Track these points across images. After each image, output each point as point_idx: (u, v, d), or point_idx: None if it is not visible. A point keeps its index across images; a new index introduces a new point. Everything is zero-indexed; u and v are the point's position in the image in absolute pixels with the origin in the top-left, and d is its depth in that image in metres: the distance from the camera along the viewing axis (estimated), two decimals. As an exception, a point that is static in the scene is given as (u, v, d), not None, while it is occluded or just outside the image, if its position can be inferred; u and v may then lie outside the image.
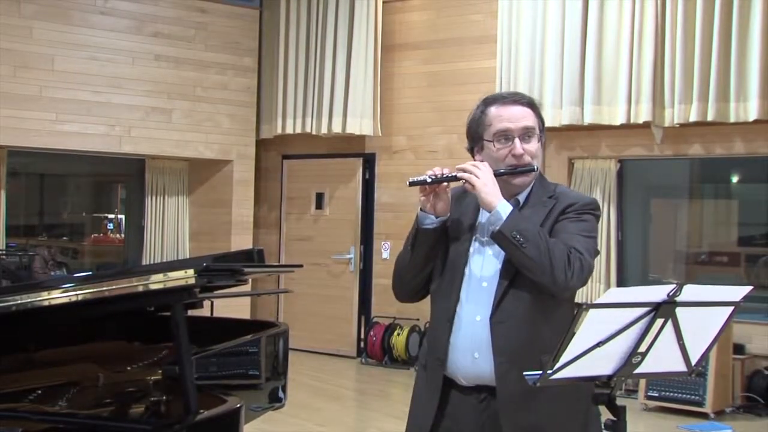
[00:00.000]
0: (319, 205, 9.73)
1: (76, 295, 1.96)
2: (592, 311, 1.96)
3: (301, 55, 9.39)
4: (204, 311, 3.55)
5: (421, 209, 2.53)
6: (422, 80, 8.94)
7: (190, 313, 3.92)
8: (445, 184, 2.49)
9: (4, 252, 8.41)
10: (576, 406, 2.47)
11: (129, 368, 2.95)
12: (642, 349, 2.08)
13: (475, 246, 2.53)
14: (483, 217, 2.54)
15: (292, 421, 6.45)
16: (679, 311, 2.06)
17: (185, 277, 1.94)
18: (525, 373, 2.06)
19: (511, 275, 2.44)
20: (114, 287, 1.95)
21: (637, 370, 2.14)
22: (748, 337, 7.22)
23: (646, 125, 7.49)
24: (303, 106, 9.36)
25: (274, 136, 9.66)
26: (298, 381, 7.99)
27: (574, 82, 7.75)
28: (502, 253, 2.45)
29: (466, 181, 2.46)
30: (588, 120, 7.69)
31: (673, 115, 7.33)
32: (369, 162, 9.35)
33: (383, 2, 9.08)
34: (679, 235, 8.62)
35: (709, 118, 7.08)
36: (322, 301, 9.40)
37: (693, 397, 6.83)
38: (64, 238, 10.79)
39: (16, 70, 8.27)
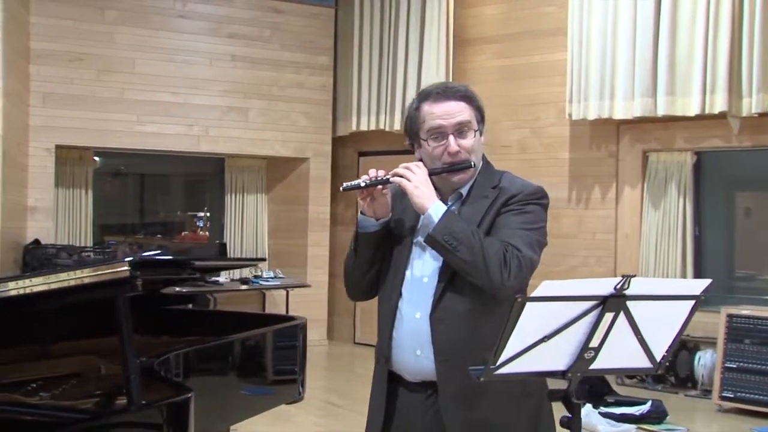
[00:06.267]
0: (393, 201, 9.73)
1: (24, 288, 2.03)
2: (528, 305, 1.91)
3: (374, 51, 9.44)
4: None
5: (361, 213, 2.50)
6: (494, 74, 8.84)
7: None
8: (381, 186, 2.44)
9: (90, 249, 8.76)
10: (525, 403, 2.41)
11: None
12: (594, 344, 2.02)
13: (416, 245, 2.48)
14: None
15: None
16: (633, 305, 1.98)
17: (120, 270, 1.99)
18: (470, 367, 2.02)
19: (450, 273, 2.39)
20: (53, 281, 2.01)
21: (595, 366, 2.07)
22: (832, 337, 6.86)
23: (723, 116, 7.21)
24: (377, 102, 9.40)
25: (350, 134, 9.73)
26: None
27: (647, 73, 7.52)
28: None
29: (399, 184, 2.41)
30: (661, 111, 7.44)
31: (750, 105, 7.02)
32: (442, 158, 9.29)
33: (455, -4, 9.04)
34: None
35: (789, 106, 6.77)
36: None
37: (769, 398, 6.55)
38: (158, 235, 11.15)
39: (100, 74, 8.60)
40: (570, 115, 7.99)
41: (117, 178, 10.76)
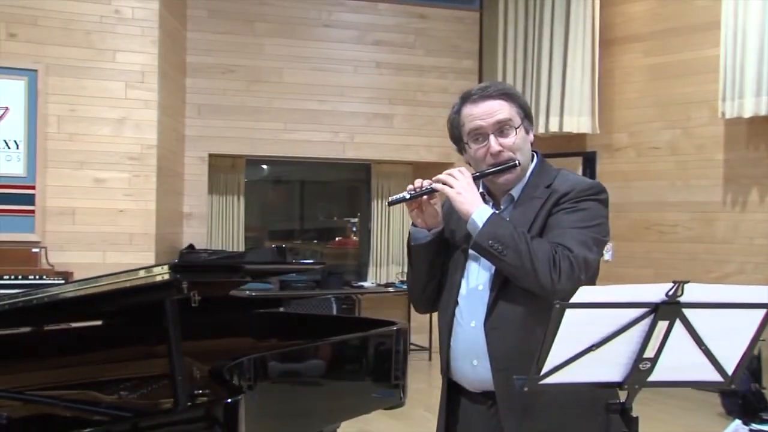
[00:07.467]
0: (540, 206, 9.53)
1: (76, 290, 2.11)
2: (571, 311, 1.80)
3: (519, 54, 9.27)
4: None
5: (413, 225, 2.44)
6: (643, 73, 8.49)
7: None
8: (428, 196, 2.36)
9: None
10: (592, 415, 2.25)
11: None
12: (649, 354, 1.87)
13: (470, 253, 2.38)
14: None
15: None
16: (691, 313, 1.83)
17: (162, 273, 2.02)
18: (515, 376, 1.93)
19: (502, 281, 2.29)
20: (103, 284, 2.07)
21: (655, 378, 1.93)
22: None
23: None
24: (522, 106, 9.21)
25: (495, 138, 9.59)
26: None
27: (808, 66, 7.01)
28: None
29: (442, 191, 2.33)
30: (825, 108, 6.92)
31: None
32: (589, 161, 9.03)
33: (601, -6, 8.75)
34: None
35: None
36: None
37: None
38: (314, 241, 11.44)
39: (249, 84, 8.91)
40: (723, 114, 7.55)
41: (279, 185, 11.11)
